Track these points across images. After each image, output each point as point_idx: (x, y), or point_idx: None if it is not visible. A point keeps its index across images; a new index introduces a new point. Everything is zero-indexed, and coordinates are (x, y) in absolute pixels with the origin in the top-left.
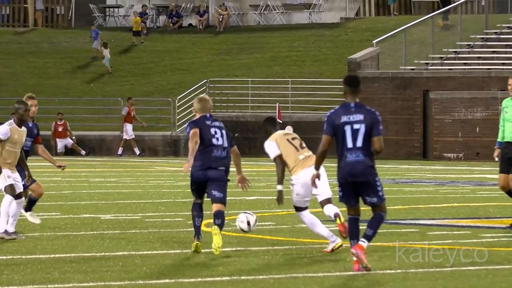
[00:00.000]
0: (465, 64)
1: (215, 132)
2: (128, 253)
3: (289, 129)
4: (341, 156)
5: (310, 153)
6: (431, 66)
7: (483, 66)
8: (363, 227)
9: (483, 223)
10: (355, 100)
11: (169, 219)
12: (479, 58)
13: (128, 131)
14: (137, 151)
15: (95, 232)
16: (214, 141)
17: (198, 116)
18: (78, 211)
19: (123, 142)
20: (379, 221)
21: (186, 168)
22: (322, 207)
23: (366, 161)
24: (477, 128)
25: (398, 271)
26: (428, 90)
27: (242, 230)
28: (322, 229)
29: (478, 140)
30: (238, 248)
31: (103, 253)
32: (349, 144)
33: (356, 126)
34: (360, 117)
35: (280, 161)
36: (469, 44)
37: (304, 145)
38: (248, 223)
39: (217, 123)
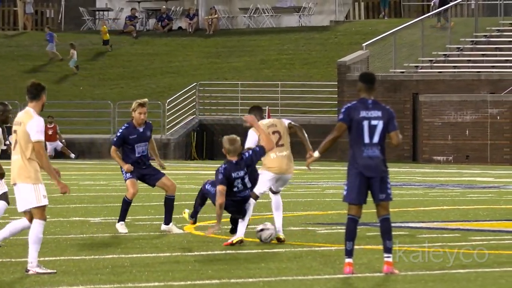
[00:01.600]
0: (454, 67)
1: (238, 183)
2: (117, 256)
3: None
4: (356, 151)
5: (285, 152)
6: (420, 69)
7: (472, 69)
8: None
9: (472, 226)
10: (370, 97)
11: (159, 222)
12: (468, 61)
13: None
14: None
15: (84, 235)
16: (235, 189)
17: (228, 158)
18: (67, 214)
19: None
20: (390, 228)
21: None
22: (274, 194)
23: (381, 157)
24: (467, 131)
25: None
26: (417, 93)
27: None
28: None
29: (468, 143)
30: (228, 251)
31: (92, 256)
32: (366, 139)
33: (374, 122)
34: (378, 113)
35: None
36: (459, 47)
37: (282, 141)
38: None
39: (242, 173)
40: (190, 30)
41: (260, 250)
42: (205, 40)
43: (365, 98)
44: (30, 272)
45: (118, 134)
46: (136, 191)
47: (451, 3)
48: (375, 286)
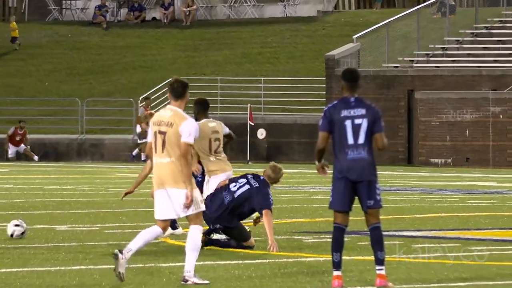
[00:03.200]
0: (453, 61)
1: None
2: (86, 267)
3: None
4: (340, 153)
5: (223, 155)
6: (416, 63)
7: (473, 63)
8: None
9: (473, 235)
10: (354, 95)
11: (131, 230)
12: (468, 55)
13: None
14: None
15: (50, 244)
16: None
17: (267, 180)
18: (31, 222)
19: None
20: (381, 238)
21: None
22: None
23: (368, 158)
24: (467, 131)
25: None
26: (413, 90)
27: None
28: None
29: (468, 144)
30: (207, 262)
31: (58, 267)
32: (350, 140)
33: (357, 121)
34: (362, 111)
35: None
36: (458, 40)
37: (220, 149)
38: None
39: (243, 182)
40: (165, 21)
41: (241, 261)
42: (181, 31)
43: (348, 96)
44: (188, 282)
45: None
46: None
47: None
48: None
